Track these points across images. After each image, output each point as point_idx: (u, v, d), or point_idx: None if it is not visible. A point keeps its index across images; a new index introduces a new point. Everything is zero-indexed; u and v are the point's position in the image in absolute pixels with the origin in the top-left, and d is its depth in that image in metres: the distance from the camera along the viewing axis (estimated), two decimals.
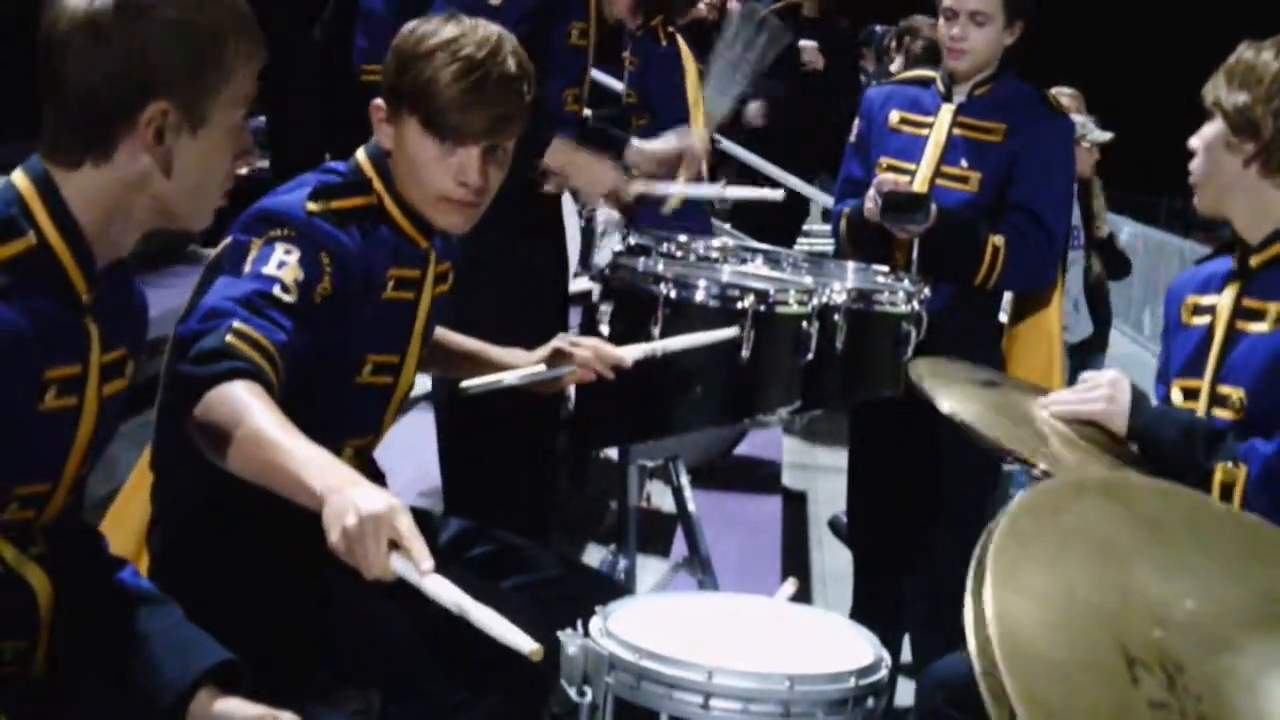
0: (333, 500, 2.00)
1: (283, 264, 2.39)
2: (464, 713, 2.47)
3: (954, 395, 2.76)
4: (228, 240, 2.48)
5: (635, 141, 3.92)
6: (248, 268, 2.38)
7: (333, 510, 1.99)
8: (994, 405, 2.80)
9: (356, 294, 2.49)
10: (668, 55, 5.99)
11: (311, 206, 2.48)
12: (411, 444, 5.04)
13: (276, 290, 2.35)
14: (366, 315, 2.54)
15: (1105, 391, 2.69)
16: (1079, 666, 1.76)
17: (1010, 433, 2.66)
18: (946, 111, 3.94)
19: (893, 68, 6.81)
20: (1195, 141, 2.73)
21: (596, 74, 4.28)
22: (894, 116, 4.01)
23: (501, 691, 2.47)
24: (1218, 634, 1.88)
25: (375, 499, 1.97)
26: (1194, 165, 2.73)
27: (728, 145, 6.39)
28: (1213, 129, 2.69)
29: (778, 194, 4.33)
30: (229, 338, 2.21)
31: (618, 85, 5.98)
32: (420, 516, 2.84)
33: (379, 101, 2.59)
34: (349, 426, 2.60)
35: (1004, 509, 1.98)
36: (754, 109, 8.10)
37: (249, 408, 2.12)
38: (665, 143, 3.89)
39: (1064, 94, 6.59)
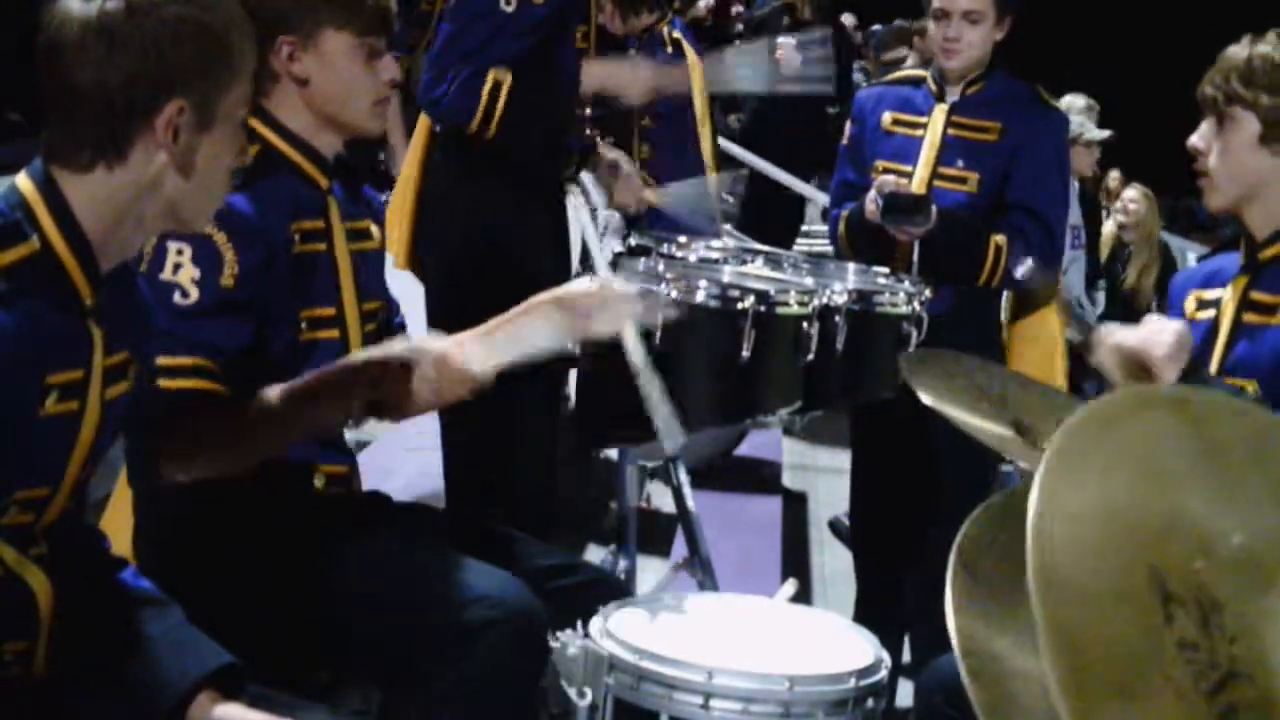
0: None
1: (178, 266, 2.42)
2: (459, 697, 2.45)
3: (939, 391, 2.66)
4: None
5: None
6: (144, 267, 2.41)
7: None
8: (980, 402, 2.72)
9: (265, 257, 2.50)
10: (672, 62, 5.96)
11: None
12: (413, 441, 5.05)
13: (176, 297, 2.41)
14: (285, 272, 2.54)
15: (1171, 340, 2.56)
16: (1111, 597, 1.69)
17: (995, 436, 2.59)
18: (940, 112, 3.93)
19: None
20: (1200, 142, 2.70)
21: None
22: (886, 118, 3.99)
23: (493, 660, 2.45)
24: (1264, 570, 1.79)
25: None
26: (1213, 167, 2.69)
27: (726, 146, 6.38)
28: (1239, 132, 2.66)
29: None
30: (162, 381, 2.37)
31: None
32: (417, 511, 2.86)
33: (288, 38, 2.57)
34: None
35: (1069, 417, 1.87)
36: (784, 42, 8.07)
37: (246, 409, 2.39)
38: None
39: (1078, 104, 6.61)
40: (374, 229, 2.77)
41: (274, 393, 2.42)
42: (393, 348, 2.47)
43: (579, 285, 2.67)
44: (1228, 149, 2.68)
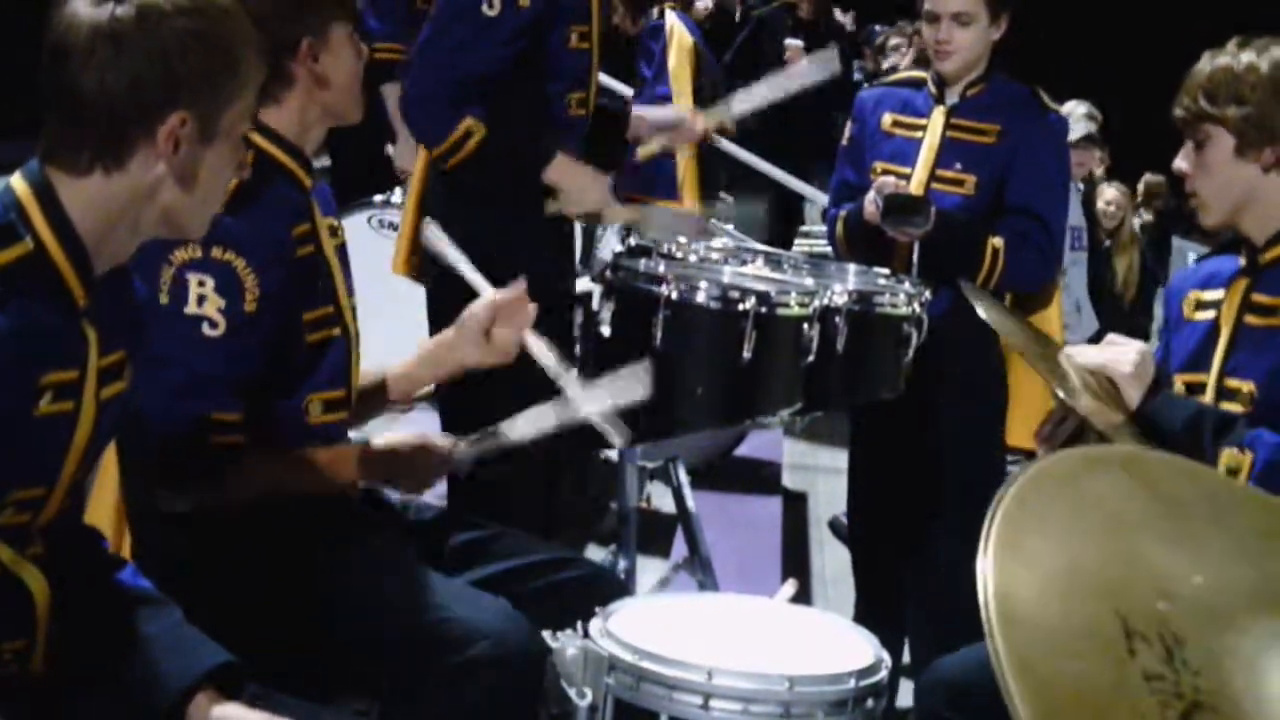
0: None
1: (202, 299, 2.41)
2: (458, 710, 2.46)
3: (993, 312, 2.72)
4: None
5: (636, 109, 3.97)
6: (165, 300, 2.39)
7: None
8: (1026, 332, 2.78)
9: (281, 275, 2.49)
10: (655, 27, 6.04)
11: None
12: None
13: (205, 330, 2.40)
14: (294, 281, 2.54)
15: (1135, 357, 2.62)
16: (1075, 635, 1.74)
17: (1036, 354, 2.63)
18: (939, 114, 3.92)
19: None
20: (1185, 165, 2.71)
21: (603, 77, 4.26)
22: (886, 119, 3.98)
23: (492, 681, 2.46)
24: (1223, 611, 1.85)
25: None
26: (1199, 188, 2.70)
27: (725, 145, 6.37)
28: (1215, 148, 2.66)
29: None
30: (215, 437, 2.43)
31: (625, 90, 5.98)
32: (416, 510, 2.86)
33: (310, 38, 2.56)
34: (316, 381, 2.62)
35: (1016, 475, 1.93)
36: (792, 44, 8.09)
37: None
38: (664, 112, 3.94)
39: (1079, 111, 6.62)
40: (338, 225, 2.77)
41: (294, 456, 2.54)
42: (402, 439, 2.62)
43: (481, 304, 2.80)
44: (1209, 167, 2.69)
